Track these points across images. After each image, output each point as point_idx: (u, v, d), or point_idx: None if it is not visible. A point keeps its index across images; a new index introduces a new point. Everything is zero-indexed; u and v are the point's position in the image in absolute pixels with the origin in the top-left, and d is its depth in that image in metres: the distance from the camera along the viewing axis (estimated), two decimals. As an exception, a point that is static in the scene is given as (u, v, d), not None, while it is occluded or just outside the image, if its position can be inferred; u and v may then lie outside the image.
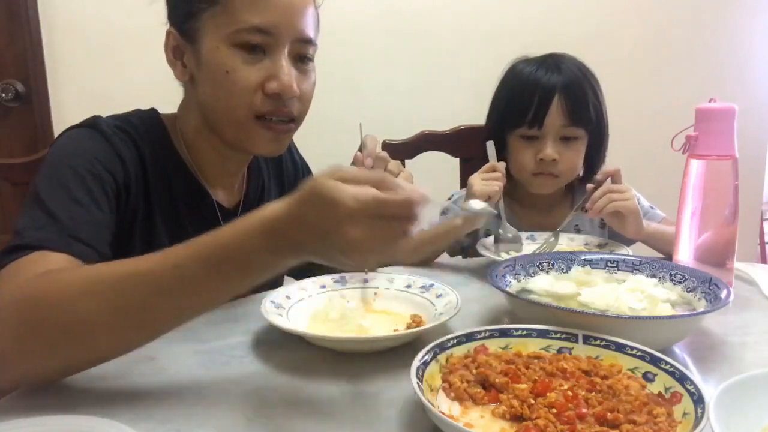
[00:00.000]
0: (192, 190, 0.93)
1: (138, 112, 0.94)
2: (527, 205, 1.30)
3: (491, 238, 1.18)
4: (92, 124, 0.86)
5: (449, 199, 1.34)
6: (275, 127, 0.86)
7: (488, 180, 1.10)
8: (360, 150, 0.90)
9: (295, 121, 0.89)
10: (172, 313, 0.63)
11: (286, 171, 1.13)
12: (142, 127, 0.89)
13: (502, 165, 1.11)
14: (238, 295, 0.64)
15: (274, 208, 0.59)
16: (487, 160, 1.18)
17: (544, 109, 1.18)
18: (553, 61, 1.22)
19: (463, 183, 1.46)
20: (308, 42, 0.86)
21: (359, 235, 0.55)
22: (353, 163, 0.89)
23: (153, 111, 0.95)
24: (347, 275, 0.93)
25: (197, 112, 0.90)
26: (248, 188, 1.03)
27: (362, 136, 0.91)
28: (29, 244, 0.69)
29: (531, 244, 1.17)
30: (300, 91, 0.85)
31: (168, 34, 0.88)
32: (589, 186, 1.13)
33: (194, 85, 0.88)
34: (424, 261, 1.16)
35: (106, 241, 0.78)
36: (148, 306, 0.61)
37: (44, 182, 0.78)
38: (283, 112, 0.85)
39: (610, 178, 1.13)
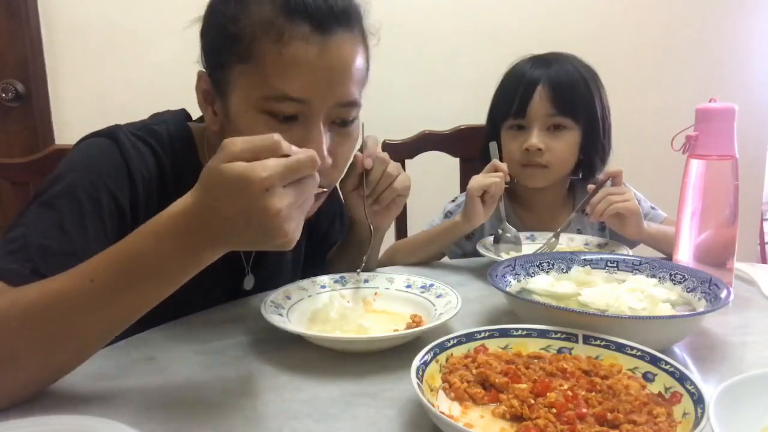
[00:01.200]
0: None
1: (167, 118, 0.89)
2: (528, 205, 1.30)
3: (491, 238, 1.18)
4: (112, 134, 0.81)
5: (453, 201, 1.34)
6: None
7: (488, 179, 1.09)
8: (361, 150, 0.90)
9: (326, 188, 0.79)
10: (99, 329, 0.61)
11: None
12: (167, 138, 0.85)
13: (504, 165, 1.11)
14: (162, 299, 0.61)
15: (181, 205, 0.57)
16: (486, 159, 1.19)
17: (527, 97, 1.19)
18: (545, 60, 1.23)
19: (463, 183, 1.46)
20: (351, 105, 0.78)
21: (280, 204, 0.54)
22: (353, 164, 0.89)
23: (183, 119, 0.89)
24: (347, 275, 0.93)
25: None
26: None
27: (363, 136, 0.89)
28: None
29: (531, 244, 1.17)
30: (336, 156, 0.79)
31: (200, 76, 0.82)
32: (590, 187, 1.13)
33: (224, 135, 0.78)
34: (424, 261, 1.16)
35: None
36: (72, 326, 0.59)
37: (42, 196, 0.74)
38: None
39: (610, 180, 1.13)
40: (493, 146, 1.20)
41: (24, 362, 0.59)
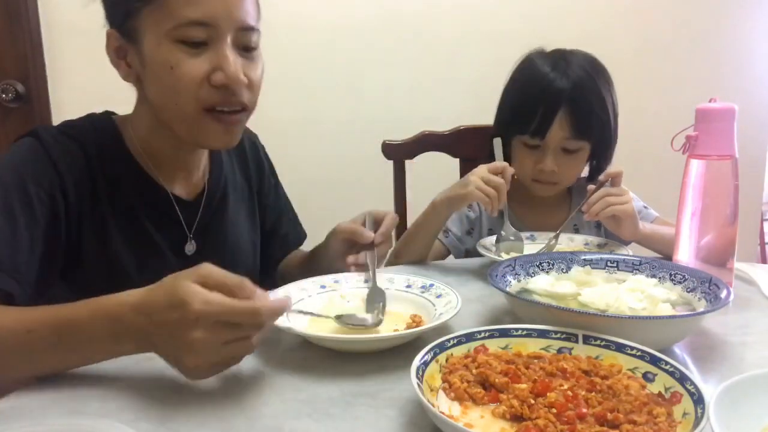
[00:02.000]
0: (145, 187, 0.92)
1: (90, 116, 0.94)
2: (527, 205, 1.30)
3: (492, 238, 1.18)
4: (34, 133, 0.86)
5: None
6: (225, 119, 0.85)
7: (488, 185, 1.06)
8: (363, 224, 0.98)
9: (246, 110, 0.88)
10: (28, 370, 0.67)
11: (252, 169, 1.13)
12: (90, 130, 0.90)
13: (510, 171, 1.09)
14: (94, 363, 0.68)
15: (131, 294, 0.63)
16: (492, 158, 1.18)
17: (547, 122, 1.16)
18: (563, 64, 1.19)
19: (463, 183, 1.46)
20: (250, 29, 0.85)
21: (200, 337, 0.58)
22: (359, 233, 0.97)
23: (105, 114, 0.96)
24: (347, 275, 0.93)
25: (149, 110, 0.89)
26: (211, 178, 1.02)
27: (368, 216, 0.99)
28: None
29: (531, 244, 1.17)
30: (248, 78, 0.85)
31: (108, 35, 0.87)
32: (590, 187, 1.13)
33: (141, 83, 0.88)
34: (426, 253, 1.17)
35: (27, 260, 0.79)
36: (4, 363, 0.65)
37: None
38: (232, 102, 0.85)
39: (610, 180, 1.13)
40: (497, 144, 1.19)
41: None
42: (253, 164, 1.13)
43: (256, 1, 0.89)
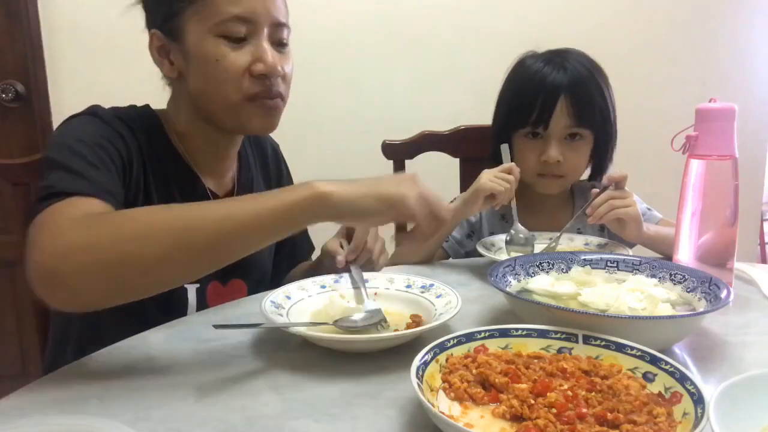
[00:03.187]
0: (185, 177, 0.97)
1: (133, 106, 0.98)
2: (530, 208, 1.30)
3: (493, 238, 1.18)
4: (92, 112, 0.90)
5: (451, 202, 1.34)
6: (266, 104, 0.92)
7: (498, 179, 1.09)
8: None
9: (282, 98, 0.94)
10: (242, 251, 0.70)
11: (272, 175, 1.17)
12: (138, 118, 0.94)
13: (518, 170, 1.11)
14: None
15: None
16: (497, 160, 1.19)
17: (548, 110, 1.17)
18: (559, 59, 1.20)
19: (464, 183, 1.46)
20: (283, 25, 0.92)
21: (412, 192, 0.73)
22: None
23: (147, 106, 1.00)
24: (347, 275, 0.93)
25: (188, 105, 0.95)
26: (239, 178, 1.08)
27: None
28: (63, 191, 0.73)
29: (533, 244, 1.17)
30: (283, 71, 0.91)
31: (152, 35, 0.92)
32: (594, 190, 1.12)
33: (183, 80, 0.93)
34: (427, 257, 1.17)
35: (122, 201, 0.83)
36: (220, 244, 0.68)
37: (58, 152, 0.81)
38: (271, 91, 0.91)
39: (614, 184, 1.12)
40: (504, 149, 1.19)
41: (167, 266, 0.67)
42: (273, 171, 1.17)
43: (285, 0, 0.96)
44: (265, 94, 0.90)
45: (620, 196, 1.09)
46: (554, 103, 1.17)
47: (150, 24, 0.93)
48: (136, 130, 0.92)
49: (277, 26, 0.91)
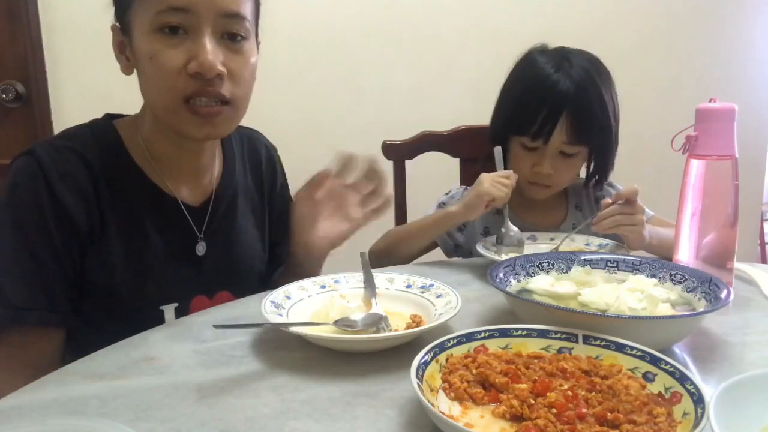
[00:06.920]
0: (150, 195, 0.91)
1: (91, 124, 0.92)
2: (524, 206, 1.30)
3: (492, 238, 1.18)
4: (30, 152, 0.84)
5: (447, 193, 1.34)
6: (201, 110, 0.82)
7: (498, 183, 1.10)
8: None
9: (229, 103, 0.84)
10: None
11: (265, 180, 1.11)
12: (92, 139, 0.88)
13: (515, 177, 1.13)
14: None
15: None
16: (493, 162, 1.19)
17: (550, 125, 1.16)
18: (567, 64, 1.18)
19: (463, 183, 1.46)
20: (235, 16, 0.82)
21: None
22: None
23: (106, 117, 0.94)
24: (347, 275, 0.93)
25: (149, 108, 0.89)
26: (220, 184, 1.00)
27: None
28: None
29: (532, 244, 1.18)
30: (229, 70, 0.82)
31: (112, 30, 0.87)
32: (605, 201, 1.10)
33: (139, 75, 0.86)
34: (418, 252, 1.20)
35: (62, 291, 0.83)
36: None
37: None
38: (209, 93, 0.81)
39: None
40: (498, 152, 1.20)
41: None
42: (267, 177, 1.11)
43: None
44: (201, 94, 0.81)
45: (629, 212, 1.07)
46: (556, 119, 1.16)
47: (115, 15, 0.87)
48: (88, 155, 0.85)
49: (227, 17, 0.80)
